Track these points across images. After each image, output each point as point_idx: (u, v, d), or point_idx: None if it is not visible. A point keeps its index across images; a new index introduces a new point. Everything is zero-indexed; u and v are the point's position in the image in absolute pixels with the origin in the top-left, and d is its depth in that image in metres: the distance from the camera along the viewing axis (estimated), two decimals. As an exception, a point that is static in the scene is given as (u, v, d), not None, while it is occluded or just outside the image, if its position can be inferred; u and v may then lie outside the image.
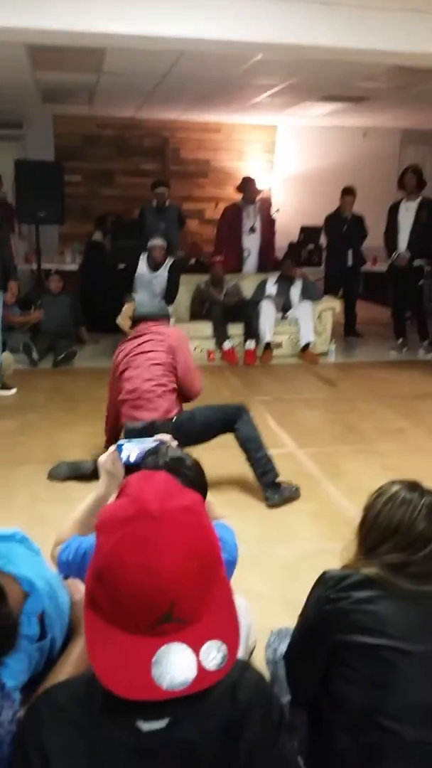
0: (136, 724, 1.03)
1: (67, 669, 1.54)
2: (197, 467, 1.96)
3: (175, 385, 3.66)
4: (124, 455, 2.09)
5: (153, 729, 1.04)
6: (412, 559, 1.58)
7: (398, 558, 1.58)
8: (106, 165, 9.32)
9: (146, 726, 1.03)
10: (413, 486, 1.67)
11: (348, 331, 7.73)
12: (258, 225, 7.52)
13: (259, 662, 2.20)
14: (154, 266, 6.74)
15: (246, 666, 1.20)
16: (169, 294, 6.77)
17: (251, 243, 7.55)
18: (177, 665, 0.99)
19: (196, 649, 1.02)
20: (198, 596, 1.05)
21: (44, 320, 6.70)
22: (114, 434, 3.86)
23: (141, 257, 6.78)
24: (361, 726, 1.54)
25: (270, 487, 3.63)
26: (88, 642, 1.04)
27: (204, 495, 1.88)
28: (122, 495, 1.14)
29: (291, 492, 3.67)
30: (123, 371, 3.74)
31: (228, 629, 1.07)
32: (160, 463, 1.88)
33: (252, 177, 7.78)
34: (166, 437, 2.15)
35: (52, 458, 4.16)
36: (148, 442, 2.10)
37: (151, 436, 2.22)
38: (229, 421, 3.68)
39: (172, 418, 3.56)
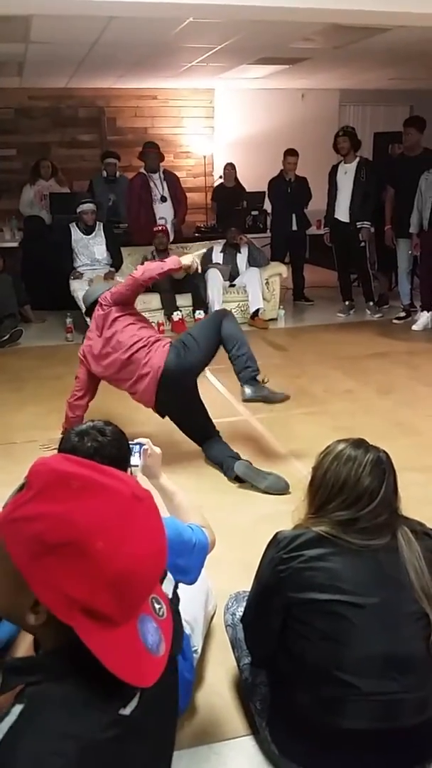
0: (119, 712, 1.00)
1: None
2: (121, 440, 1.91)
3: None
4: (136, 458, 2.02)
5: (133, 707, 1.02)
6: (359, 515, 1.60)
7: (347, 515, 1.61)
8: (42, 137, 9.05)
9: (127, 709, 1.01)
10: (358, 443, 1.69)
11: (297, 296, 7.75)
12: (167, 194, 7.38)
13: (219, 627, 2.23)
14: (86, 230, 6.67)
15: None
16: (114, 256, 6.76)
17: (165, 212, 7.34)
18: (152, 630, 1.01)
19: (148, 609, 1.03)
20: None
21: (-14, 300, 6.54)
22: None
23: (71, 226, 6.70)
24: (319, 681, 1.57)
25: (246, 383, 3.59)
26: (105, 661, 0.93)
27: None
28: (65, 491, 0.98)
29: (271, 393, 3.61)
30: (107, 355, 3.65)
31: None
32: (88, 444, 1.79)
33: (153, 143, 7.55)
34: (144, 440, 2.07)
35: (2, 440, 4.10)
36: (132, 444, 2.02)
37: None
38: (218, 323, 3.64)
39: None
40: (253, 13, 4.70)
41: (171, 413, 3.69)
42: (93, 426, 1.82)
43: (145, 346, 3.56)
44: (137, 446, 2.02)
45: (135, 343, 3.56)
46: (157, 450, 2.06)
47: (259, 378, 3.60)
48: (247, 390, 3.58)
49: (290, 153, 7.36)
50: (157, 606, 1.05)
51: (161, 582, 1.16)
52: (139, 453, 2.02)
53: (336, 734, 1.56)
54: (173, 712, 1.29)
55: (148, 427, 3.69)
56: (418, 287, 6.86)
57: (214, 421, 3.74)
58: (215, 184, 9.13)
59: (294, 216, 7.43)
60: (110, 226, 7.02)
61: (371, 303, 7.13)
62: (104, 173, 7.77)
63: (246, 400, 3.61)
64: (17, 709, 0.94)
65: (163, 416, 3.69)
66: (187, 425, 3.71)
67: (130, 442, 1.98)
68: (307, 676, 1.59)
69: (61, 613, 0.94)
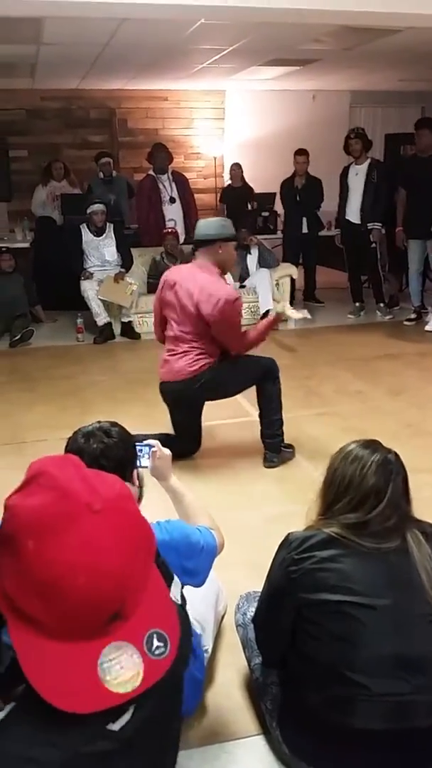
0: (107, 727, 0.99)
1: None
2: (127, 442, 1.87)
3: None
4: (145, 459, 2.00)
5: (123, 723, 1.00)
6: (368, 518, 1.61)
7: (354, 518, 1.61)
8: (53, 138, 9.10)
9: (116, 725, 1.00)
10: (368, 444, 1.69)
11: (308, 297, 7.73)
12: (176, 195, 7.37)
13: (230, 627, 2.24)
14: (97, 232, 6.68)
15: None
16: (125, 257, 6.75)
17: (174, 213, 7.34)
18: (124, 664, 0.95)
19: (138, 643, 0.98)
20: (141, 589, 1.01)
21: (-3, 300, 6.58)
22: None
23: (82, 227, 6.71)
24: (330, 681, 1.57)
25: (273, 451, 3.69)
26: (23, 663, 0.92)
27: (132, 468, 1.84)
28: (34, 486, 0.99)
29: (288, 455, 3.76)
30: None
31: (164, 615, 1.04)
32: (94, 446, 1.73)
33: (161, 144, 7.55)
34: (154, 442, 2.06)
35: (13, 440, 4.12)
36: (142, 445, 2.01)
37: None
38: (266, 372, 3.65)
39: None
40: (265, 15, 4.71)
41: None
42: (99, 427, 1.79)
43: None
44: (146, 447, 2.01)
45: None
46: (167, 451, 2.05)
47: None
48: (274, 459, 3.70)
49: (299, 153, 7.32)
50: (156, 643, 0.99)
51: (168, 586, 1.13)
52: (148, 454, 2.01)
53: (347, 734, 1.57)
54: (174, 729, 1.25)
55: (157, 426, 3.70)
56: (428, 289, 6.84)
57: (224, 421, 3.75)
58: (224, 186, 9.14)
59: (305, 218, 7.40)
60: (119, 227, 7.04)
61: (381, 304, 7.12)
62: (100, 174, 7.70)
63: (269, 467, 3.69)
64: (5, 710, 0.96)
65: None
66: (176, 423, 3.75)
67: (139, 444, 1.96)
68: (318, 676, 1.60)
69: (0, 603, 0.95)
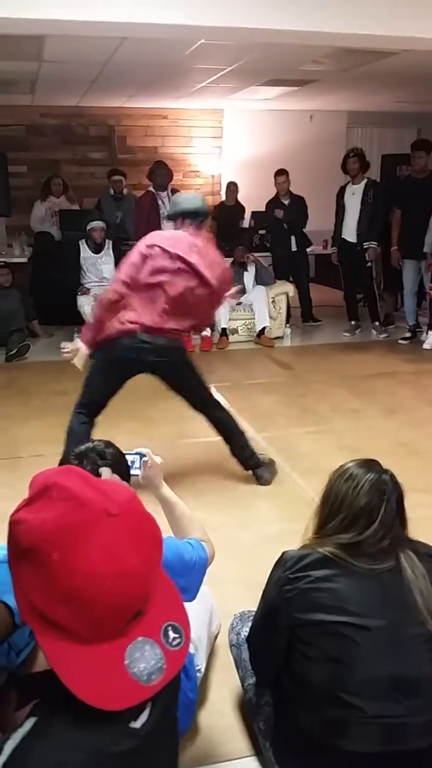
0: (129, 725, 1.02)
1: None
2: (122, 464, 1.87)
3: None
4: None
5: (143, 721, 1.04)
6: (361, 538, 1.61)
7: (348, 539, 1.61)
8: (52, 155, 9.16)
9: (138, 722, 1.03)
10: (364, 463, 1.70)
11: (305, 317, 7.72)
12: None
13: (223, 646, 2.22)
14: (95, 248, 6.70)
15: None
16: None
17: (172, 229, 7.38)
18: (148, 658, 0.98)
19: (156, 636, 1.01)
20: (156, 584, 1.04)
21: (-6, 315, 6.59)
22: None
23: (80, 243, 6.73)
24: (324, 702, 1.56)
25: (257, 468, 3.70)
26: (58, 670, 0.95)
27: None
28: (45, 499, 1.01)
29: (273, 466, 3.78)
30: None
31: (175, 606, 1.07)
32: (88, 468, 1.71)
33: (162, 161, 7.58)
34: (145, 450, 2.03)
35: (9, 454, 4.11)
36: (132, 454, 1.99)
37: None
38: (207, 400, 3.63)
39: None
40: (264, 36, 4.77)
41: None
42: (93, 448, 1.77)
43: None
44: (137, 456, 1.99)
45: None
46: (158, 460, 2.02)
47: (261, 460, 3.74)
48: (265, 474, 3.71)
49: (279, 173, 7.30)
50: (172, 635, 1.03)
51: None
52: (140, 463, 1.99)
53: (340, 756, 1.55)
54: (175, 722, 1.29)
55: (152, 442, 3.68)
56: (424, 308, 6.88)
57: (218, 438, 3.73)
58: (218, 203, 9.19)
59: (293, 237, 7.40)
60: (119, 243, 7.07)
61: (377, 323, 7.15)
62: (111, 191, 7.86)
63: (265, 484, 3.71)
64: (30, 721, 0.98)
65: None
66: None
67: (129, 453, 1.96)
68: (312, 697, 1.59)
69: (25, 614, 0.97)
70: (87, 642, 0.96)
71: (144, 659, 0.98)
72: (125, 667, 0.96)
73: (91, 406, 3.58)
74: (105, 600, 0.94)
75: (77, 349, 3.47)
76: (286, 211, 7.27)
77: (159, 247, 3.37)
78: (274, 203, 7.42)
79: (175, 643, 1.02)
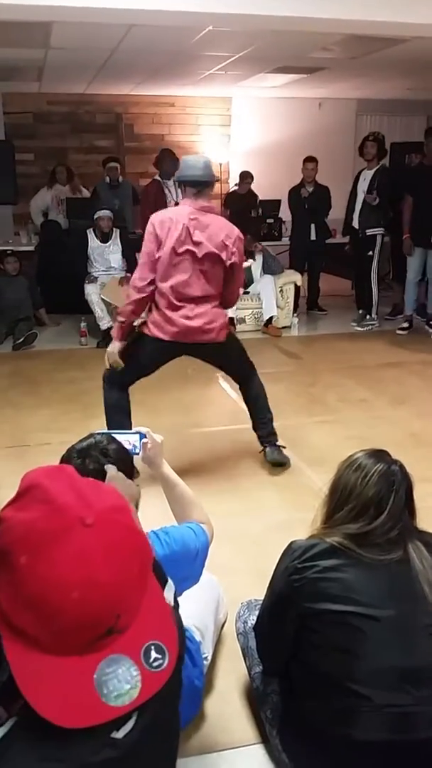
0: (111, 735, 0.98)
1: None
2: (125, 461, 1.80)
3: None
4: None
5: (127, 731, 1.00)
6: (369, 529, 1.60)
7: (357, 529, 1.61)
8: (59, 143, 9.13)
9: (120, 733, 0.99)
10: (374, 453, 1.69)
11: (311, 305, 7.70)
12: (180, 200, 7.31)
13: (230, 634, 2.23)
14: (103, 237, 6.68)
15: None
16: (130, 262, 6.71)
17: None
18: (121, 677, 0.94)
19: (135, 655, 0.97)
20: (138, 601, 1.00)
21: (1, 303, 6.58)
22: None
23: (88, 232, 6.71)
24: (331, 691, 1.56)
25: (272, 445, 3.74)
26: (19, 679, 0.91)
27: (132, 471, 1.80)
28: (27, 499, 0.99)
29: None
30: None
31: (162, 624, 1.03)
32: (90, 467, 1.67)
33: (169, 149, 7.53)
34: (145, 429, 2.01)
35: (16, 442, 4.12)
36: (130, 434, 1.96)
37: None
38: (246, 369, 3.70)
39: None
40: (273, 23, 4.72)
41: None
42: (95, 445, 1.73)
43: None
44: (137, 435, 1.96)
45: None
46: (158, 438, 1.99)
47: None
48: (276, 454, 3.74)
49: (309, 160, 7.28)
50: (154, 655, 0.98)
51: (162, 588, 1.12)
52: (140, 442, 1.97)
53: (347, 745, 1.55)
54: (174, 732, 1.26)
55: (160, 432, 3.69)
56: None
57: (226, 427, 3.74)
58: (229, 191, 9.15)
59: (314, 225, 7.37)
60: (125, 232, 7.05)
61: (361, 311, 7.07)
62: (107, 178, 7.74)
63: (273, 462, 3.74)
64: (11, 722, 0.95)
65: None
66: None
67: (128, 432, 1.94)
68: (320, 686, 1.59)
69: None
70: (54, 653, 0.92)
71: (116, 678, 0.93)
72: (93, 683, 0.92)
73: (122, 383, 3.63)
74: (71, 611, 0.91)
75: (115, 353, 3.50)
76: (309, 196, 7.25)
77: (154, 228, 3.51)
78: (297, 190, 7.38)
79: (156, 664, 0.97)
